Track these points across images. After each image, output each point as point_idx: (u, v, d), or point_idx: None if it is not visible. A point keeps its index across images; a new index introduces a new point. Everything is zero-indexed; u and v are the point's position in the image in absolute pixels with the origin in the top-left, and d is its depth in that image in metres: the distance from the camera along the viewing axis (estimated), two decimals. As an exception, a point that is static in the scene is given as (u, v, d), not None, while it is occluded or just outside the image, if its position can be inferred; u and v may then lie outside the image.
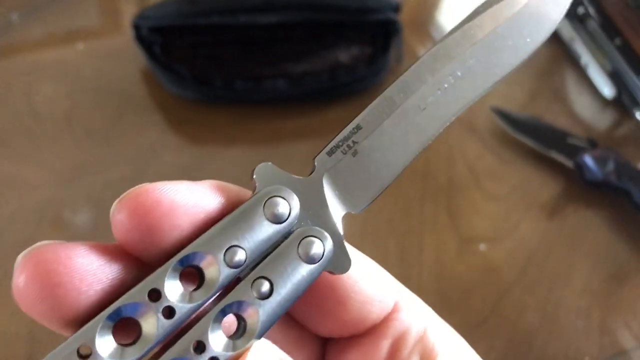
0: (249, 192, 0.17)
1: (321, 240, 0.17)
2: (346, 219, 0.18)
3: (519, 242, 0.45)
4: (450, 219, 0.46)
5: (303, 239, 0.17)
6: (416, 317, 0.19)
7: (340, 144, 0.18)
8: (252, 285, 0.16)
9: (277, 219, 0.16)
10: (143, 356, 0.15)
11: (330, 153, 0.18)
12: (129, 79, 0.53)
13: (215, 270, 0.16)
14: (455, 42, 0.19)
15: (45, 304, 0.14)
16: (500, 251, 0.44)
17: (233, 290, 0.16)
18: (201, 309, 0.16)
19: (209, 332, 0.15)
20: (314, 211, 0.17)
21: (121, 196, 0.16)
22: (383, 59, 0.52)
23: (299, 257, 0.16)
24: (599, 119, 0.56)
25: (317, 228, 0.17)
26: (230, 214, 0.16)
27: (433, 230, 0.45)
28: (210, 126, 0.50)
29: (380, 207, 0.45)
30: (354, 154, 0.18)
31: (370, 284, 0.19)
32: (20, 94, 0.51)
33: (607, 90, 0.56)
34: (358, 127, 0.18)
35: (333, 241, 0.17)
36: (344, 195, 0.18)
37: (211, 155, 0.49)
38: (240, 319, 0.16)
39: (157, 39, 0.51)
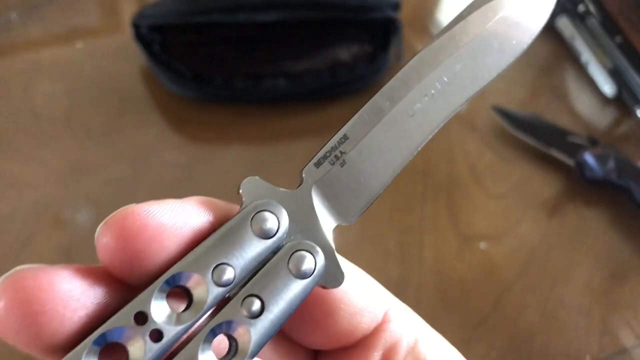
0: (236, 207, 0.17)
1: (312, 254, 0.16)
2: (337, 229, 0.18)
3: (520, 241, 0.45)
4: (450, 217, 0.46)
5: (293, 253, 0.16)
6: (407, 327, 0.19)
7: (328, 154, 0.18)
8: (242, 303, 0.15)
9: (265, 234, 0.16)
10: None
11: (318, 164, 0.18)
12: (128, 78, 0.53)
13: (204, 289, 0.15)
14: (441, 48, 0.19)
15: (27, 333, 0.14)
16: (500, 249, 0.44)
17: (223, 310, 0.15)
18: (190, 330, 0.15)
19: (199, 354, 0.15)
20: (304, 224, 0.17)
21: (106, 219, 0.15)
22: (383, 57, 0.52)
23: (290, 272, 0.16)
24: (600, 117, 0.56)
25: (308, 242, 0.17)
26: (217, 231, 0.16)
27: (433, 228, 0.45)
28: (210, 125, 0.50)
29: (380, 206, 0.45)
30: (342, 164, 0.18)
31: (360, 295, 0.18)
32: (19, 92, 0.51)
33: (608, 88, 0.56)
34: (345, 137, 0.18)
35: (324, 254, 0.17)
36: (334, 207, 0.18)
37: (211, 154, 0.49)
38: (231, 339, 0.15)
39: (156, 37, 0.51)
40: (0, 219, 0.43)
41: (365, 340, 0.19)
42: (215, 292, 0.15)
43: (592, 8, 0.59)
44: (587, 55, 0.58)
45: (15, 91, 0.51)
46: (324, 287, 0.17)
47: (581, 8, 0.59)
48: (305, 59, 0.52)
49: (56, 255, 0.41)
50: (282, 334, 0.19)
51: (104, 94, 0.51)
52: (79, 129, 0.49)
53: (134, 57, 0.53)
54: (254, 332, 0.15)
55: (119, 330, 0.14)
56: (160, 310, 0.15)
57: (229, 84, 0.50)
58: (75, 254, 0.41)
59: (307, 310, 0.18)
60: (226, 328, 0.15)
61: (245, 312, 0.15)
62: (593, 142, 0.50)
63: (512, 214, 0.47)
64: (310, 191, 0.17)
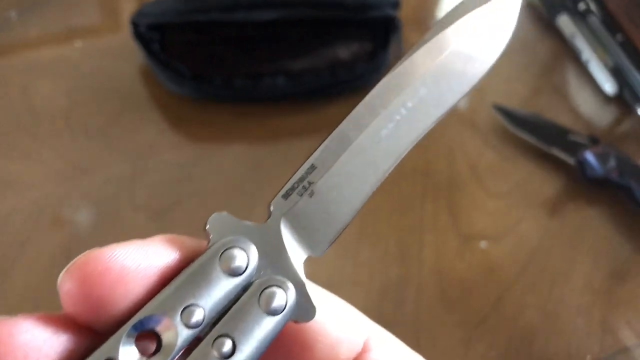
0: (204, 243, 0.16)
1: (283, 290, 0.16)
2: (309, 261, 0.18)
3: (520, 240, 0.45)
4: (450, 216, 0.46)
5: (264, 290, 0.16)
6: (387, 355, 0.19)
7: (296, 185, 0.17)
8: (212, 344, 0.15)
9: (234, 272, 0.16)
10: None
11: (286, 196, 0.17)
12: (127, 77, 0.53)
13: (173, 332, 0.15)
14: (405, 72, 0.18)
15: None
16: (501, 249, 0.44)
17: (193, 352, 0.15)
18: None
19: None
20: (274, 259, 0.17)
21: (69, 265, 0.15)
22: (383, 56, 0.52)
23: (261, 309, 0.16)
24: (601, 116, 0.56)
25: (278, 277, 0.16)
26: (184, 271, 0.15)
27: (433, 228, 0.45)
28: (209, 124, 0.50)
29: (380, 205, 0.45)
30: (311, 194, 0.17)
31: (337, 325, 0.18)
32: (18, 91, 0.51)
33: (609, 86, 0.55)
34: (313, 167, 0.18)
35: (295, 289, 0.16)
36: (304, 239, 0.17)
37: (210, 153, 0.48)
38: None
39: (155, 36, 0.51)
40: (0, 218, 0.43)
41: None
42: (185, 334, 0.15)
43: (593, 6, 0.59)
44: (588, 54, 0.57)
45: (14, 90, 0.51)
46: (296, 322, 0.16)
47: (582, 6, 0.59)
48: (305, 58, 0.52)
49: (56, 254, 0.41)
50: None
51: (103, 93, 0.51)
52: (78, 128, 0.49)
53: (134, 56, 0.53)
54: None
55: None
56: (129, 356, 0.14)
57: (228, 83, 0.50)
58: (75, 254, 0.41)
59: (283, 344, 0.17)
60: None
61: (216, 354, 0.15)
62: (594, 141, 0.50)
63: (513, 213, 0.47)
64: (279, 224, 0.17)
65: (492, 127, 0.52)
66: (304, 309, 0.16)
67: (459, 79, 0.19)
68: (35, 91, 0.51)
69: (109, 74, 0.53)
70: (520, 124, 0.51)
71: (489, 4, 0.20)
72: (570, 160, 0.48)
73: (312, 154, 0.18)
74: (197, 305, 0.15)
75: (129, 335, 0.15)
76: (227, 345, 0.15)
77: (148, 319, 0.15)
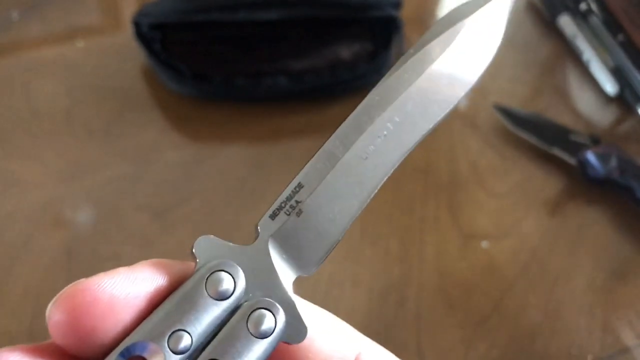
0: (192, 265, 0.16)
1: (272, 312, 0.16)
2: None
3: (521, 240, 0.45)
4: (451, 216, 0.46)
5: (252, 312, 0.16)
6: None
7: (283, 205, 0.17)
8: None
9: (221, 296, 0.15)
10: None
11: (273, 216, 0.17)
12: (129, 76, 0.53)
13: (160, 359, 0.15)
14: (390, 88, 0.18)
15: None
16: (502, 248, 0.44)
17: None
18: None
19: None
20: (262, 280, 0.16)
21: (56, 296, 0.15)
22: (384, 56, 0.52)
23: (250, 333, 0.15)
24: (602, 116, 0.56)
25: (267, 299, 0.16)
26: (171, 296, 0.15)
27: (434, 227, 0.45)
28: (211, 123, 0.50)
29: (381, 205, 0.45)
30: (299, 213, 0.17)
31: (328, 341, 0.17)
32: (19, 91, 0.51)
33: (610, 86, 0.55)
34: (300, 186, 0.17)
35: (285, 310, 0.16)
36: (293, 259, 0.17)
37: (211, 152, 0.48)
38: None
39: (157, 35, 0.51)
40: (1, 218, 0.43)
41: None
42: None
43: (594, 6, 0.59)
44: (589, 54, 0.57)
45: (16, 90, 0.51)
46: (287, 343, 0.16)
47: (583, 6, 0.59)
48: (305, 58, 0.52)
49: (56, 254, 0.41)
50: None
51: (105, 92, 0.51)
52: (79, 127, 0.49)
53: (135, 55, 0.53)
54: None
55: None
56: None
57: (229, 83, 0.50)
58: (76, 254, 0.41)
59: None
60: None
61: None
62: (595, 140, 0.50)
63: (514, 213, 0.47)
64: (267, 245, 0.17)
65: (493, 127, 0.52)
66: (295, 329, 0.16)
67: (445, 92, 0.19)
68: (37, 91, 0.51)
69: (110, 74, 0.53)
70: (521, 124, 0.51)
71: (475, 15, 0.19)
72: (571, 160, 0.48)
73: (299, 172, 0.18)
74: (184, 331, 0.15)
75: None
76: None
77: (135, 345, 0.15)
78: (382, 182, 0.18)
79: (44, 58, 0.54)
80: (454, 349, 0.39)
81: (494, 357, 0.39)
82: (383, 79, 0.19)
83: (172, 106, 0.51)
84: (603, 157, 0.47)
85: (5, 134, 0.48)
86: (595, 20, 0.58)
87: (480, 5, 0.20)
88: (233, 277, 0.16)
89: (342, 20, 0.53)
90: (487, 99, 0.54)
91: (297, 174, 0.18)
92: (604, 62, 0.56)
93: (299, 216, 0.17)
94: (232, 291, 0.16)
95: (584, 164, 0.48)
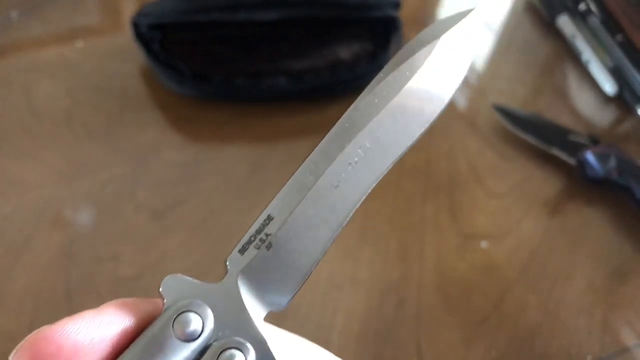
0: (160, 303, 0.16)
1: (242, 352, 0.15)
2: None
3: (521, 240, 0.45)
4: (451, 216, 0.46)
5: (222, 353, 0.15)
6: None
7: (253, 238, 0.17)
8: None
9: (190, 337, 0.15)
10: None
11: (243, 250, 0.17)
12: (128, 77, 0.53)
13: None
14: (360, 114, 0.18)
15: None
16: (501, 249, 0.44)
17: None
18: None
19: None
20: (232, 318, 0.16)
21: (19, 344, 0.14)
22: (384, 56, 0.52)
23: None
24: (601, 116, 0.56)
25: (237, 338, 0.16)
26: (138, 339, 0.15)
27: (434, 228, 0.45)
28: (210, 123, 0.50)
29: (381, 206, 0.45)
30: (269, 247, 0.17)
31: None
32: (19, 91, 0.51)
33: (609, 86, 0.55)
34: (269, 218, 0.17)
35: (256, 348, 0.16)
36: (264, 294, 0.17)
37: (211, 153, 0.48)
38: None
39: (156, 36, 0.51)
40: (0, 218, 0.43)
41: None
42: None
43: (593, 7, 0.59)
44: (588, 54, 0.57)
45: (16, 90, 0.51)
46: None
47: (582, 7, 0.59)
48: (305, 58, 0.52)
49: (56, 254, 0.41)
50: None
51: (104, 93, 0.51)
52: (79, 128, 0.49)
53: (135, 56, 0.53)
54: None
55: None
56: None
57: (229, 83, 0.50)
58: (75, 254, 0.41)
59: None
60: None
61: None
62: (594, 141, 0.50)
63: (513, 213, 0.47)
64: (236, 281, 0.16)
65: (492, 128, 0.52)
66: None
67: (416, 116, 0.18)
68: (37, 91, 0.51)
69: (110, 74, 0.53)
70: (521, 124, 0.51)
71: (447, 34, 0.19)
72: (571, 160, 0.48)
73: (268, 204, 0.17)
74: None
75: None
76: None
77: None
78: (355, 209, 0.17)
79: (43, 58, 0.54)
80: (454, 349, 0.39)
81: (493, 357, 0.39)
82: (353, 104, 0.18)
83: (171, 106, 0.51)
84: (602, 157, 0.47)
85: (5, 134, 0.48)
86: (594, 21, 0.58)
87: (450, 26, 0.19)
88: (201, 317, 0.15)
89: (341, 20, 0.53)
90: (486, 99, 0.54)
91: (267, 205, 0.17)
92: (603, 62, 0.57)
93: (269, 249, 0.17)
94: (200, 331, 0.15)
95: (583, 164, 0.48)
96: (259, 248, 0.17)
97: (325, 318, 0.39)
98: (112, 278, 0.40)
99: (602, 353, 0.40)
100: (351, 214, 0.17)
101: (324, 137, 0.18)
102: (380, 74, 0.19)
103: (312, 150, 0.18)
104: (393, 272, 0.42)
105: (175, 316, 0.15)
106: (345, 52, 0.53)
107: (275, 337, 0.17)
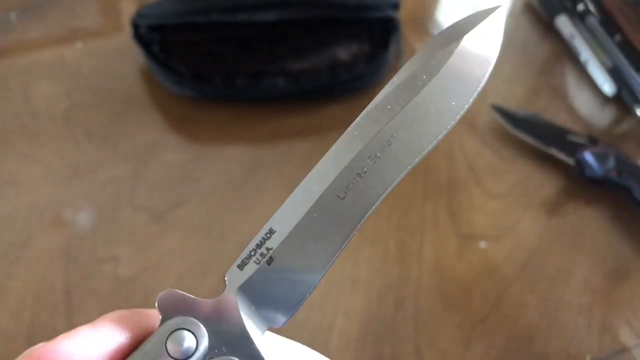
0: (156, 315, 0.16)
1: None
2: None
3: (520, 240, 0.45)
4: (450, 216, 0.46)
5: None
6: None
7: (253, 253, 0.16)
8: None
9: (183, 355, 0.15)
10: None
11: (242, 266, 0.16)
12: (128, 78, 0.53)
13: None
14: (371, 121, 0.17)
15: None
16: (500, 249, 0.44)
17: None
18: None
19: None
20: (229, 336, 0.15)
21: None
22: (383, 56, 0.52)
23: None
24: (599, 116, 0.56)
25: (232, 358, 0.15)
26: (131, 355, 0.15)
27: (433, 228, 0.45)
28: (210, 124, 0.50)
29: (380, 206, 0.45)
30: (269, 261, 0.16)
31: None
32: (18, 93, 0.51)
33: (607, 87, 0.56)
34: (271, 231, 0.16)
35: None
36: (263, 311, 0.16)
37: (210, 153, 0.49)
38: None
39: (155, 37, 0.51)
40: (0, 218, 0.43)
41: None
42: None
43: (591, 7, 0.59)
44: (586, 54, 0.58)
45: (15, 91, 0.51)
46: None
47: (581, 7, 0.59)
48: (304, 58, 0.52)
49: (55, 255, 0.41)
50: None
51: (104, 94, 0.51)
52: (78, 129, 0.49)
53: (134, 57, 0.53)
54: None
55: None
56: None
57: (228, 84, 0.50)
58: (74, 254, 0.41)
59: None
60: None
61: None
62: (593, 141, 0.50)
63: (512, 213, 0.47)
64: (235, 298, 0.16)
65: (491, 128, 0.52)
66: None
67: (431, 122, 0.17)
68: (36, 92, 0.51)
69: (109, 75, 0.53)
70: (519, 125, 0.51)
71: (469, 35, 0.18)
72: (569, 160, 0.49)
73: (271, 216, 0.16)
74: None
75: None
76: None
77: None
78: (362, 221, 0.17)
79: (42, 59, 0.54)
80: (453, 349, 0.39)
81: (492, 357, 0.39)
82: (364, 111, 0.17)
83: (171, 107, 0.51)
84: (601, 157, 0.47)
85: (5, 135, 0.48)
86: (593, 21, 0.58)
87: (475, 24, 0.18)
88: (195, 335, 0.15)
89: (340, 21, 0.54)
90: (485, 99, 0.54)
91: (269, 219, 0.16)
92: (602, 63, 0.57)
93: (269, 264, 0.16)
94: (194, 350, 0.15)
95: (581, 164, 0.48)
96: (259, 263, 0.16)
97: (325, 318, 0.39)
98: (111, 278, 0.40)
99: (600, 353, 0.40)
100: (358, 227, 0.17)
101: (331, 141, 0.17)
102: (394, 79, 0.18)
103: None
104: (392, 272, 0.42)
105: (168, 334, 0.15)
106: (344, 52, 0.53)
107: (275, 348, 0.17)
